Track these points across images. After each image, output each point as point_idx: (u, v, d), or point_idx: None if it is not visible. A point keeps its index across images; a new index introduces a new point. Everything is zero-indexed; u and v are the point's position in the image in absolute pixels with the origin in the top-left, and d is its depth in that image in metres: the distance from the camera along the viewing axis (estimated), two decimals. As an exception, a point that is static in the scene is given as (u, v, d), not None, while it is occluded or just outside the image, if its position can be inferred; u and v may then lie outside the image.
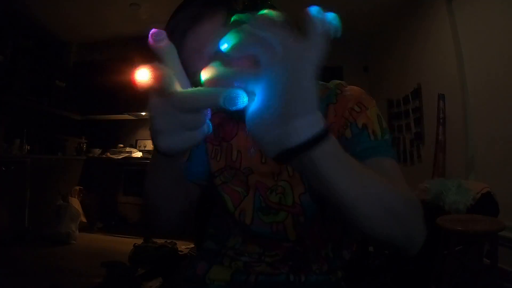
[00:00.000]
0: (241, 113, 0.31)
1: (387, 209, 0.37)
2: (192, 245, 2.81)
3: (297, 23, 0.29)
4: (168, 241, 2.92)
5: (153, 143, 0.34)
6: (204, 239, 0.74)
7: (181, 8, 0.58)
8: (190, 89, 0.32)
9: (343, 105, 0.59)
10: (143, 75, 0.31)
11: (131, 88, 3.87)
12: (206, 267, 0.67)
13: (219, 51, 0.29)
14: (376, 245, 0.41)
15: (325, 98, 0.60)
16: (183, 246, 2.85)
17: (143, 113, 4.34)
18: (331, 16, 0.31)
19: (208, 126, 0.35)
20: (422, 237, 0.43)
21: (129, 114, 4.41)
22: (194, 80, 0.50)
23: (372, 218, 0.36)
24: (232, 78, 0.30)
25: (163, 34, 0.31)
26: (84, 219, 3.52)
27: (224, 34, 0.29)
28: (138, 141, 4.53)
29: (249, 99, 0.29)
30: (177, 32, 0.54)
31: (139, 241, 2.82)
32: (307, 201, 0.59)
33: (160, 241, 2.90)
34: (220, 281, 0.64)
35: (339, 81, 0.64)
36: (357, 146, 0.54)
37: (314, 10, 0.29)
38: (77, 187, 3.76)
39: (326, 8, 0.30)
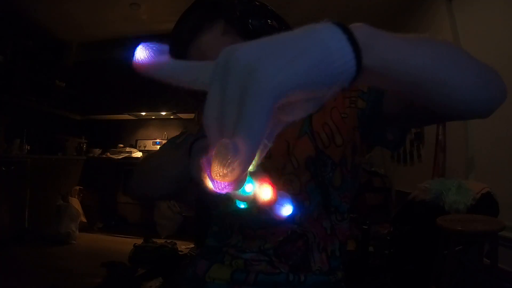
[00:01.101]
0: None
1: (469, 64, 0.36)
2: (192, 245, 2.81)
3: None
4: (168, 241, 2.92)
5: None
6: (206, 236, 0.74)
7: (182, 20, 0.60)
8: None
9: None
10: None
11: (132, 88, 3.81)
12: (207, 266, 0.67)
13: None
14: (460, 114, 0.40)
15: None
16: (183, 246, 2.86)
17: (143, 113, 4.36)
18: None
19: None
20: (504, 87, 0.39)
21: (129, 114, 4.41)
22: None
23: (461, 77, 0.34)
24: None
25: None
26: (84, 219, 3.52)
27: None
28: (138, 141, 4.53)
29: None
30: (180, 44, 0.57)
31: (139, 241, 2.83)
32: (312, 187, 0.62)
33: (160, 241, 2.90)
34: (220, 280, 0.64)
35: None
36: (378, 94, 0.57)
37: None
38: (77, 187, 3.76)
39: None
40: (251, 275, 0.62)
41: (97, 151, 4.32)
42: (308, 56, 0.24)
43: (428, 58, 0.32)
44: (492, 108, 0.39)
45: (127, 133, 4.62)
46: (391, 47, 0.30)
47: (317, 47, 0.24)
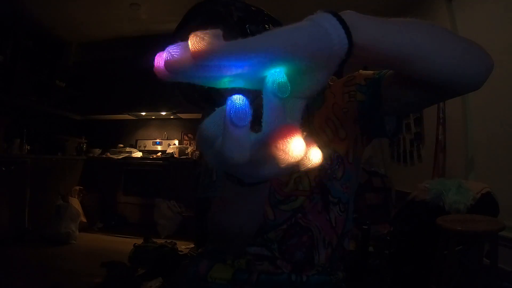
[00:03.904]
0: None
1: (449, 39, 0.41)
2: (192, 245, 2.81)
3: None
4: (168, 241, 2.92)
5: None
6: (207, 238, 0.74)
7: (179, 28, 0.59)
8: None
9: (338, 85, 0.68)
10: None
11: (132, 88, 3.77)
12: (208, 266, 0.67)
13: None
14: (449, 85, 0.45)
15: None
16: (183, 246, 2.86)
17: (143, 113, 4.36)
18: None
19: None
20: (488, 60, 0.44)
21: (129, 114, 4.41)
22: (201, 92, 0.53)
23: (441, 51, 0.39)
24: None
25: None
26: (84, 219, 3.52)
27: None
28: (138, 141, 4.53)
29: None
30: None
31: (139, 241, 2.83)
32: (317, 180, 0.64)
33: (160, 241, 2.90)
34: (222, 280, 0.64)
35: None
36: (375, 85, 0.60)
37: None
38: (77, 187, 3.76)
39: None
40: (253, 275, 0.62)
41: (97, 151, 4.32)
42: (307, 30, 0.28)
43: (411, 35, 0.37)
44: (479, 79, 0.43)
45: (127, 133, 4.62)
46: (375, 26, 0.35)
47: (314, 27, 0.29)
